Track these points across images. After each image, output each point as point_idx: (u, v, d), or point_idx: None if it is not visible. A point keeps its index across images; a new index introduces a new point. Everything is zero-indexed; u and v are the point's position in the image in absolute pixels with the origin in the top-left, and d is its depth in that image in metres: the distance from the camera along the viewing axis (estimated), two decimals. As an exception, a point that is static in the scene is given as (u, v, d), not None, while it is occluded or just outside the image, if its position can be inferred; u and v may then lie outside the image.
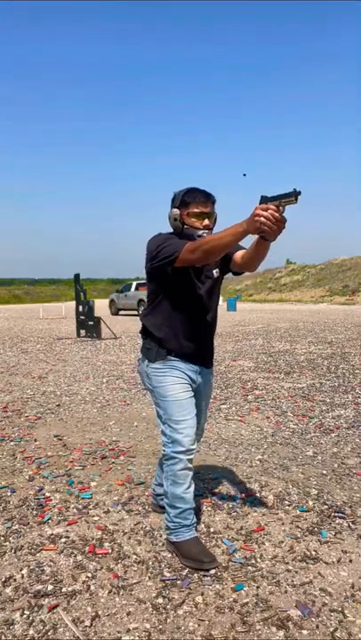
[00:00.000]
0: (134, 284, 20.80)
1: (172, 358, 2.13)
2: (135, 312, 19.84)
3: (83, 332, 11.84)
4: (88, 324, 11.71)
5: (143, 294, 17.67)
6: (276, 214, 1.65)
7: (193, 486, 2.12)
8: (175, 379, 2.12)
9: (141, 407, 4.80)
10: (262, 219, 1.65)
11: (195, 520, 2.16)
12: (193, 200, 2.06)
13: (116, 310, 21.64)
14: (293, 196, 1.62)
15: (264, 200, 1.68)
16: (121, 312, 21.52)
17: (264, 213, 1.64)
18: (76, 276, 12.37)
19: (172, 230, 2.15)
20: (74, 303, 13.53)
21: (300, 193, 1.61)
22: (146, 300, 2.29)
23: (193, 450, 2.09)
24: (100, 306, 18.93)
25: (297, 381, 6.06)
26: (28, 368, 7.30)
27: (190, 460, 2.09)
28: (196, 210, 2.06)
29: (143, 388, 2.29)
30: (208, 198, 2.08)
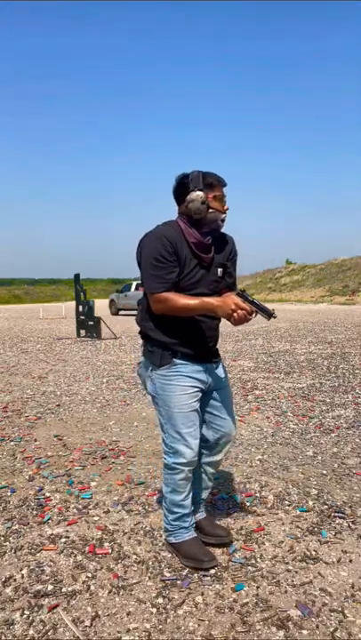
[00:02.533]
0: (134, 283, 20.79)
1: (178, 362, 1.99)
2: (136, 312, 19.82)
3: (83, 332, 11.83)
4: (88, 324, 11.71)
5: (143, 294, 17.57)
6: (249, 316, 1.83)
7: (192, 492, 2.11)
8: (183, 387, 1.98)
9: (141, 407, 4.80)
10: (236, 315, 1.82)
11: (193, 521, 2.16)
12: (218, 183, 1.96)
13: (116, 310, 21.63)
14: (268, 315, 1.83)
15: (241, 296, 1.84)
16: (121, 312, 21.51)
17: (240, 312, 1.81)
18: (76, 276, 12.37)
19: (186, 216, 1.95)
20: (74, 303, 13.52)
21: (275, 317, 1.85)
22: (139, 302, 2.09)
23: (194, 461, 2.04)
24: (100, 306, 18.91)
25: (297, 381, 6.06)
26: (28, 368, 7.29)
27: (191, 471, 2.05)
28: (220, 193, 1.96)
29: (143, 389, 2.26)
30: (224, 182, 2.01)
